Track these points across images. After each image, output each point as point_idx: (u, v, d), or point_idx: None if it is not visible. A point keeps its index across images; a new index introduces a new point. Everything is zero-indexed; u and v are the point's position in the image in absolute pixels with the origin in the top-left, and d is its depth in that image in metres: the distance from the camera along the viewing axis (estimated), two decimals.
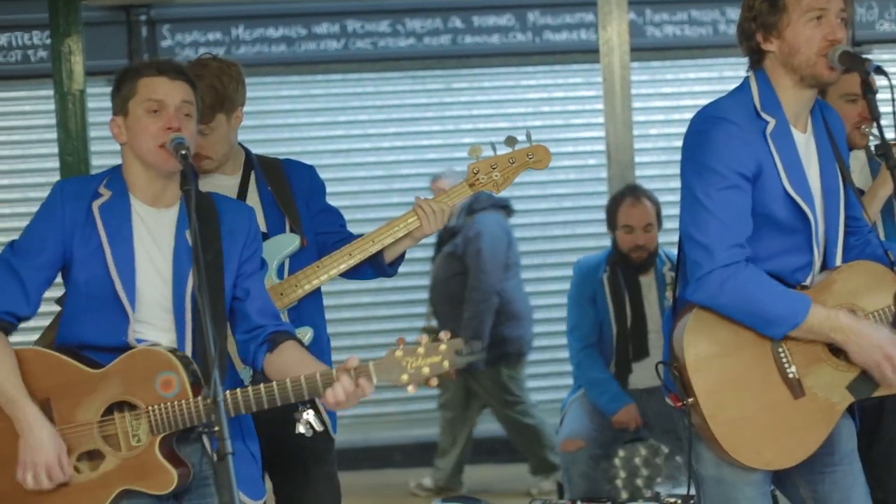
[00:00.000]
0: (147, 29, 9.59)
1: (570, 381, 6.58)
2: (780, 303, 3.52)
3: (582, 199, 9.91)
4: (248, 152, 4.46)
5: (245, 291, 3.69)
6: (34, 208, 10.41)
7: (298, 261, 4.34)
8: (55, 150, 8.31)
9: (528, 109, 9.99)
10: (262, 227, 4.30)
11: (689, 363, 3.56)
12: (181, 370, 3.47)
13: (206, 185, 4.31)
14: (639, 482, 6.10)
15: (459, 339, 3.38)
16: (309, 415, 3.99)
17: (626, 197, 6.29)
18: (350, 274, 4.38)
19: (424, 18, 9.77)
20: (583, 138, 9.92)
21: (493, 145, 4.31)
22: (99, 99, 8.85)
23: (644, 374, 6.08)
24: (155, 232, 3.62)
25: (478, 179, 4.30)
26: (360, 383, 3.38)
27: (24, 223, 10.63)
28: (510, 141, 4.30)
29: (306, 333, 4.25)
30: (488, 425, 9.81)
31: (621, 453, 6.11)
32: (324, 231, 4.43)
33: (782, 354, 3.56)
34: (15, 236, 10.75)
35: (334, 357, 4.40)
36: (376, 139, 9.91)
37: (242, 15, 9.58)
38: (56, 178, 8.45)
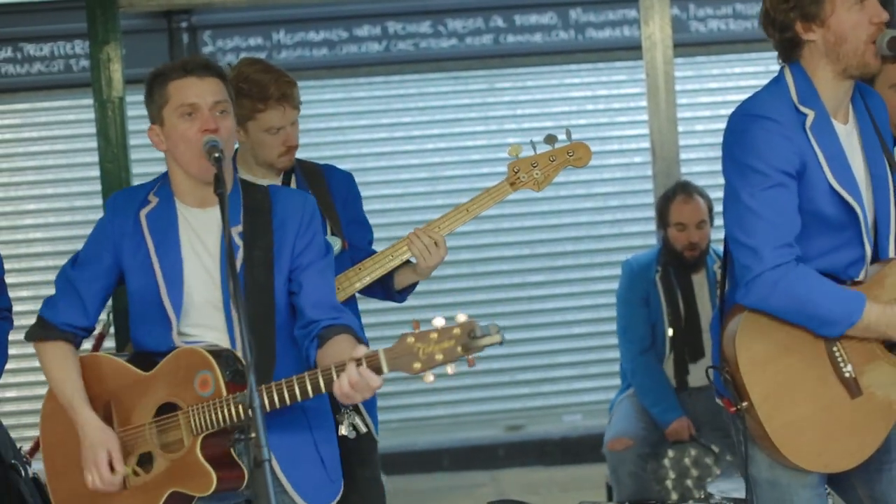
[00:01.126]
0: (188, 35, 9.60)
1: (618, 381, 6.51)
2: (834, 302, 3.43)
3: (629, 198, 9.83)
4: None
5: (299, 285, 3.60)
6: (79, 216, 10.53)
7: (337, 264, 4.31)
8: (97, 158, 8.35)
9: (572, 108, 9.92)
10: None
11: (742, 366, 3.47)
12: (216, 368, 3.41)
13: None
14: (689, 483, 6.02)
15: (473, 322, 3.16)
16: (351, 416, 4.05)
17: (678, 194, 6.18)
18: (364, 292, 4.39)
19: (466, 18, 9.73)
20: (628, 136, 9.84)
21: (532, 144, 4.28)
22: (140, 107, 8.90)
23: (699, 374, 6.01)
24: (201, 233, 3.60)
25: (518, 178, 4.29)
26: (362, 373, 3.18)
27: (69, 231, 10.77)
28: (550, 139, 4.28)
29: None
30: (537, 427, 9.78)
31: (671, 454, 6.03)
32: (352, 244, 4.43)
33: (837, 353, 3.47)
34: (61, 244, 10.85)
35: None
36: (420, 141, 9.86)
37: (283, 19, 9.56)
38: (99, 186, 8.49)
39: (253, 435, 2.89)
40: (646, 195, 8.39)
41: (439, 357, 3.12)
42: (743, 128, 3.48)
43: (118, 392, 3.60)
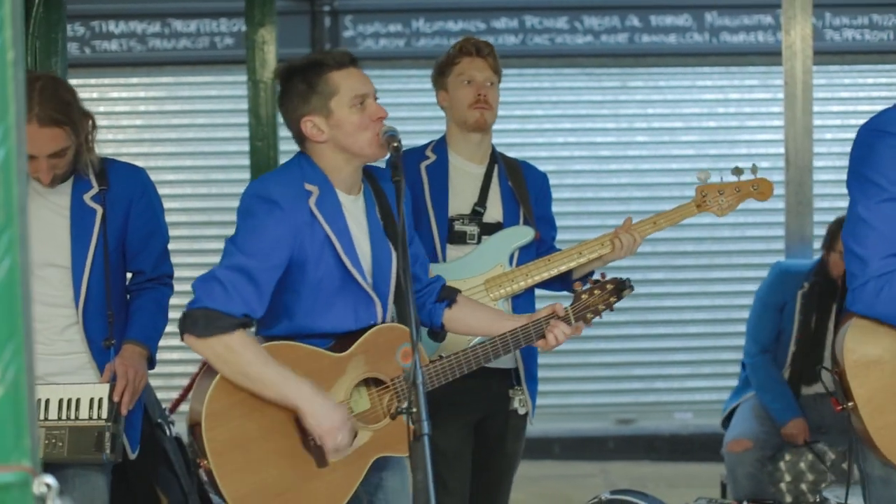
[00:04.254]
0: (330, 19, 9.80)
1: (732, 382, 6.59)
2: None
3: (752, 202, 9.83)
4: (492, 148, 4.79)
5: (413, 257, 3.89)
6: (215, 189, 10.73)
7: (525, 254, 4.62)
8: (239, 133, 8.55)
9: (703, 110, 10.00)
10: (499, 217, 4.66)
11: (849, 369, 3.57)
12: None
13: (455, 169, 4.69)
14: (804, 487, 6.08)
15: (617, 278, 4.05)
16: (524, 394, 4.55)
17: None
18: (542, 284, 4.66)
19: (602, 16, 9.82)
20: (757, 140, 9.87)
21: (721, 175, 4.64)
22: None
23: (813, 389, 6.10)
24: (356, 217, 3.76)
25: (705, 202, 4.65)
26: (577, 327, 3.91)
27: (205, 203, 10.95)
28: (737, 171, 4.65)
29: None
30: (647, 422, 9.87)
31: (787, 457, 6.09)
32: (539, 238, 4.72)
33: None
34: (196, 214, 11.01)
35: None
36: (550, 134, 9.99)
37: (423, 7, 9.73)
38: (240, 161, 8.73)
39: (415, 409, 3.05)
40: (770, 200, 8.41)
41: (601, 307, 4.00)
42: (869, 142, 3.55)
43: (311, 375, 3.63)
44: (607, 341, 9.94)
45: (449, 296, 3.96)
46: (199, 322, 3.52)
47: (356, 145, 3.67)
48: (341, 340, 3.71)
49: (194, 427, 3.60)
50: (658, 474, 9.04)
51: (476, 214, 4.64)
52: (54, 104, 3.99)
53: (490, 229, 4.63)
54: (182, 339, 3.57)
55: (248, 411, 3.62)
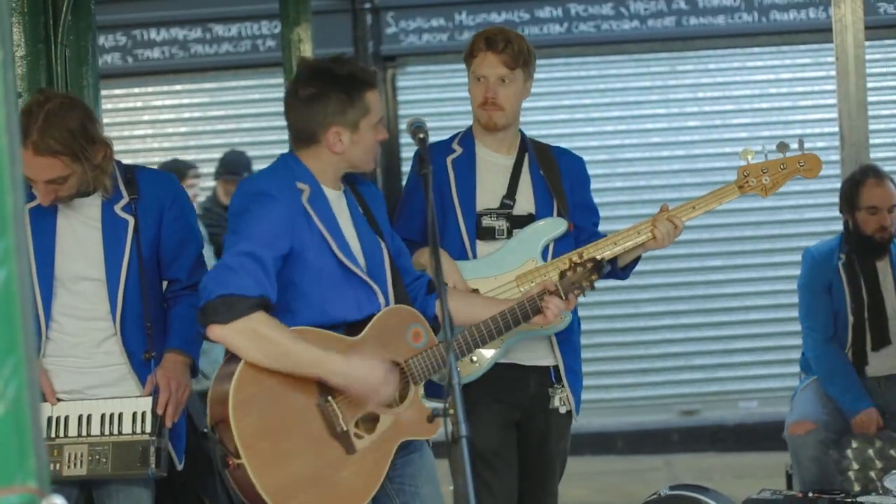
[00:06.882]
0: (371, 16, 9.74)
1: (797, 368, 6.43)
2: None
3: (811, 183, 9.53)
4: (523, 135, 4.61)
5: (397, 249, 3.94)
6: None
7: (561, 246, 4.45)
8: (284, 136, 8.47)
9: (754, 91, 9.83)
10: (531, 209, 4.50)
11: None
12: (424, 321, 3.79)
13: (483, 162, 4.53)
14: (873, 475, 5.92)
15: (595, 258, 4.08)
16: (563, 391, 4.45)
17: (869, 177, 6.05)
18: None
19: (648, 1, 9.69)
20: (811, 120, 9.69)
21: (764, 150, 4.40)
22: None
23: (883, 363, 5.93)
24: (342, 212, 3.79)
25: (747, 182, 4.44)
26: (570, 300, 4.01)
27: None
28: (782, 147, 4.40)
29: (566, 317, 4.35)
30: (712, 413, 9.72)
31: (854, 444, 5.94)
32: (578, 226, 4.52)
33: None
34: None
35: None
36: (599, 123, 9.87)
37: (466, 0, 9.66)
38: None
39: (452, 411, 2.95)
40: (828, 181, 8.26)
41: (585, 284, 4.04)
42: None
43: None
44: (668, 331, 9.78)
45: (431, 288, 3.99)
46: (219, 310, 3.50)
47: (362, 161, 3.78)
48: (349, 329, 3.71)
49: (220, 423, 3.54)
50: (724, 465, 8.90)
51: (505, 207, 4.48)
52: (55, 133, 3.85)
53: (521, 222, 4.48)
54: (206, 336, 3.55)
55: (271, 401, 3.57)
